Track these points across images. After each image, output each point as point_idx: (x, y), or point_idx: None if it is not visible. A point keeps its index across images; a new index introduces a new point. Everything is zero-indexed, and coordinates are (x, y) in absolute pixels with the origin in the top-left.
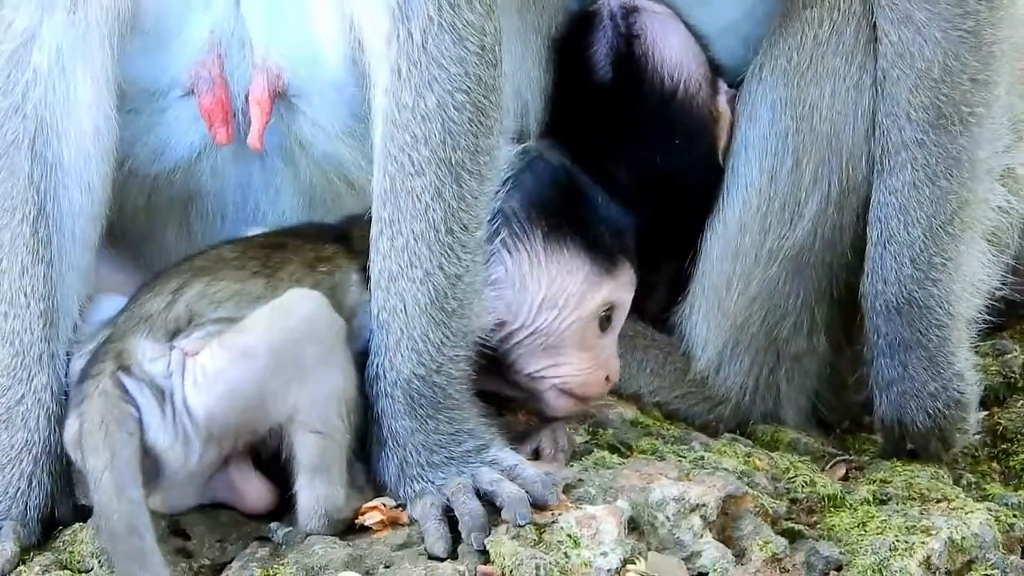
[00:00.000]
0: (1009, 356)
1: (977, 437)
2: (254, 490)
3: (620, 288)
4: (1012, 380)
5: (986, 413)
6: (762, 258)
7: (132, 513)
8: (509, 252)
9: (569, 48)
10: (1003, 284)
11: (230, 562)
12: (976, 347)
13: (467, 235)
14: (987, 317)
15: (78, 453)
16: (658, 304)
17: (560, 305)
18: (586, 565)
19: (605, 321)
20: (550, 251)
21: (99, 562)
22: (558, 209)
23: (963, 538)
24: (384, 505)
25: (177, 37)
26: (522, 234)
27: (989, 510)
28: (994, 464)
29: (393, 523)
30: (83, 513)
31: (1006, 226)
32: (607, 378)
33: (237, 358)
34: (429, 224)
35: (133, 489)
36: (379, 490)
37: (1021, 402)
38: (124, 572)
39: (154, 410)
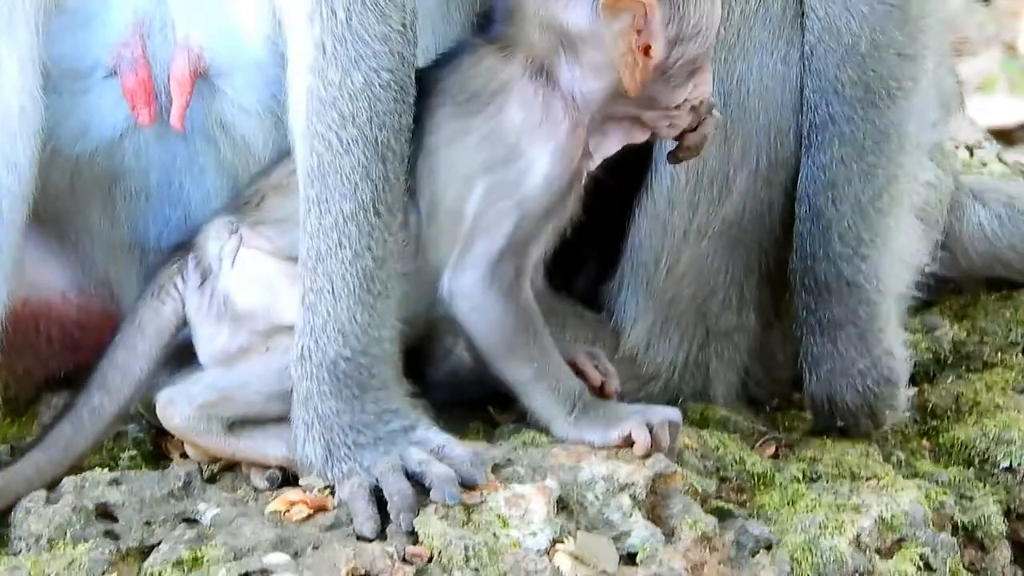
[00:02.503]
0: (939, 332)
1: (907, 414)
2: None
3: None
4: (942, 357)
5: (916, 390)
6: (691, 234)
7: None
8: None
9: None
10: (932, 260)
11: (158, 544)
12: (906, 323)
13: (391, 217)
14: (916, 293)
15: None
16: (587, 281)
17: (707, 26)
18: (515, 545)
19: None
20: None
21: None
22: None
23: (893, 516)
24: (309, 492)
25: (100, 17)
26: None
27: (919, 487)
28: (924, 441)
29: (320, 510)
30: None
31: (935, 201)
32: None
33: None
34: (358, 204)
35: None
36: (306, 472)
37: (951, 379)
38: None
39: (194, 286)
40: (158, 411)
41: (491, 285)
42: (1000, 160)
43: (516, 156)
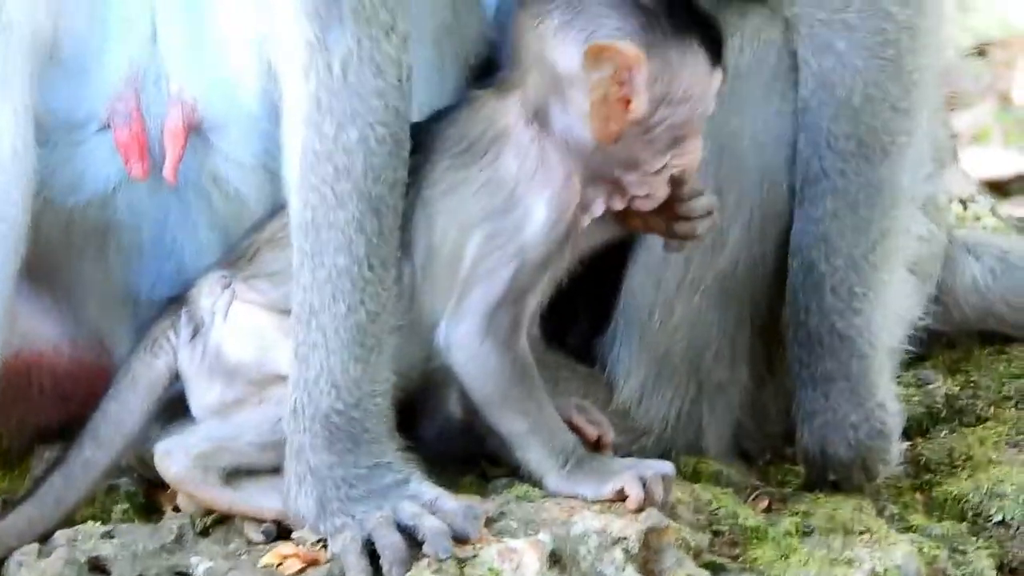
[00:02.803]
0: (932, 386)
1: (900, 468)
2: None
3: (719, 76)
4: (935, 410)
5: (909, 444)
6: (684, 288)
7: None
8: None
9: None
10: (925, 314)
11: None
12: (899, 377)
13: (384, 271)
14: (909, 347)
15: None
16: (580, 335)
17: (696, 95)
18: None
19: None
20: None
21: None
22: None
23: (886, 570)
24: (301, 546)
25: (95, 70)
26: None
27: (912, 541)
28: (917, 495)
29: (312, 564)
30: None
31: (928, 255)
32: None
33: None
34: (352, 258)
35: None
36: (298, 525)
37: (944, 432)
38: None
39: (186, 339)
40: (156, 462)
41: (488, 335)
42: (994, 213)
43: (513, 204)
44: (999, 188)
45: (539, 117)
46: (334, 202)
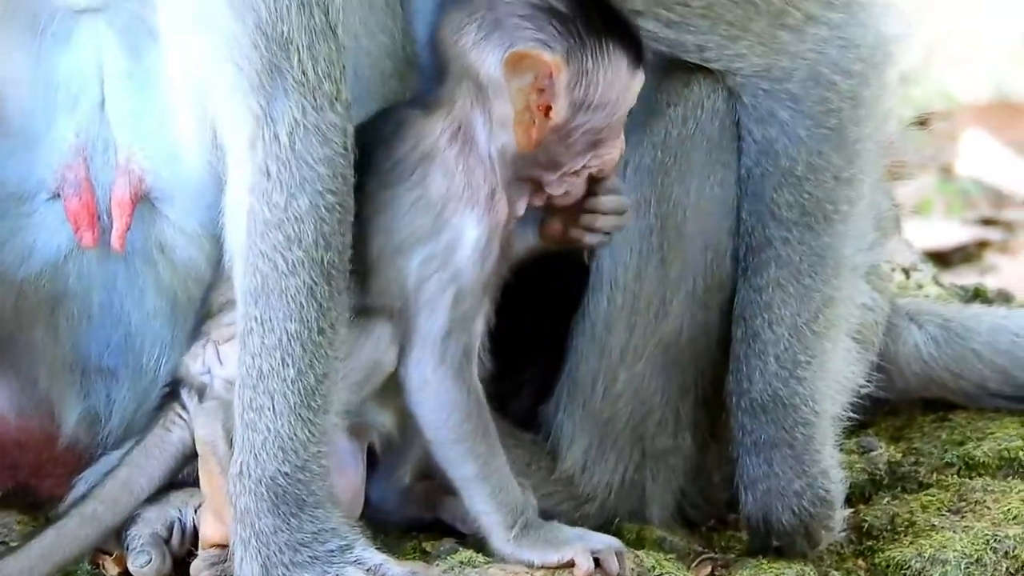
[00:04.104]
0: (874, 453)
1: (843, 534)
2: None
3: (641, 79)
4: (877, 477)
5: (852, 510)
6: (627, 356)
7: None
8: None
9: None
10: (868, 381)
11: None
12: (841, 444)
13: (334, 333)
14: (852, 414)
15: None
16: (524, 403)
17: (612, 99)
18: None
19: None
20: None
21: None
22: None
23: None
24: None
25: (43, 140)
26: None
27: None
28: (860, 561)
29: None
30: None
31: (871, 323)
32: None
33: None
34: (303, 323)
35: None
36: None
37: (886, 499)
38: None
39: (196, 405)
40: (192, 415)
41: (440, 364)
42: (936, 283)
43: (443, 225)
44: (941, 259)
45: (464, 132)
46: (285, 270)
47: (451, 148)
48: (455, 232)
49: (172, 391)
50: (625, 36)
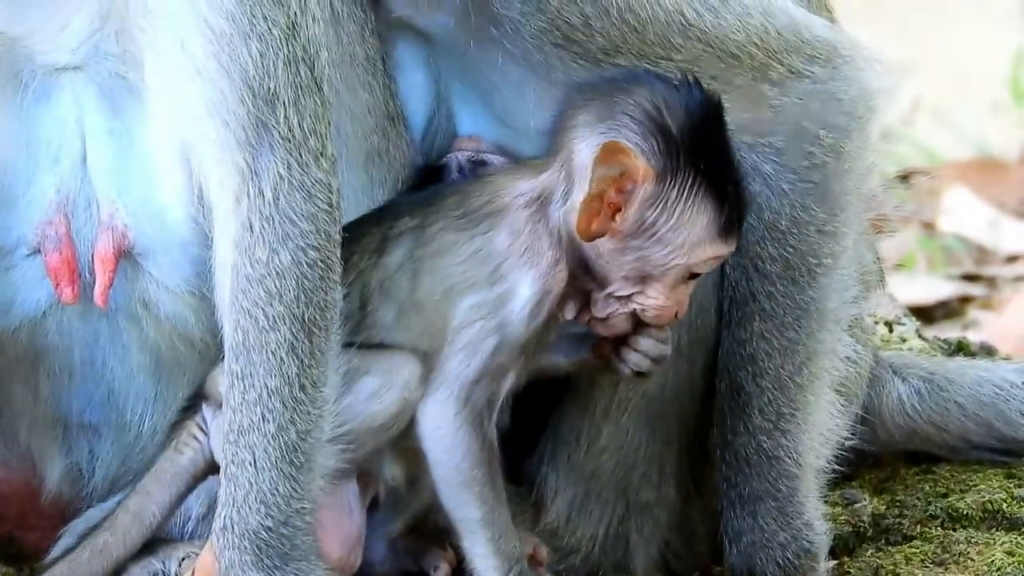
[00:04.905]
0: (858, 505)
1: None
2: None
3: (724, 251)
4: (861, 529)
5: (836, 562)
6: (612, 409)
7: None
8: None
9: None
10: (852, 434)
11: None
12: (825, 496)
13: (316, 391)
14: (836, 467)
15: None
16: (509, 455)
17: (677, 244)
18: None
19: (696, 273)
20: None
21: None
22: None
23: None
24: None
25: (24, 196)
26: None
27: None
28: None
29: None
30: None
31: (855, 376)
32: (676, 314)
33: None
34: (283, 379)
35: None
36: None
37: (870, 551)
38: None
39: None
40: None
41: (463, 408)
42: (919, 336)
43: (500, 278)
44: (924, 314)
45: (541, 201)
46: (266, 325)
47: (525, 210)
48: (510, 286)
49: (190, 406)
50: (724, 198)
